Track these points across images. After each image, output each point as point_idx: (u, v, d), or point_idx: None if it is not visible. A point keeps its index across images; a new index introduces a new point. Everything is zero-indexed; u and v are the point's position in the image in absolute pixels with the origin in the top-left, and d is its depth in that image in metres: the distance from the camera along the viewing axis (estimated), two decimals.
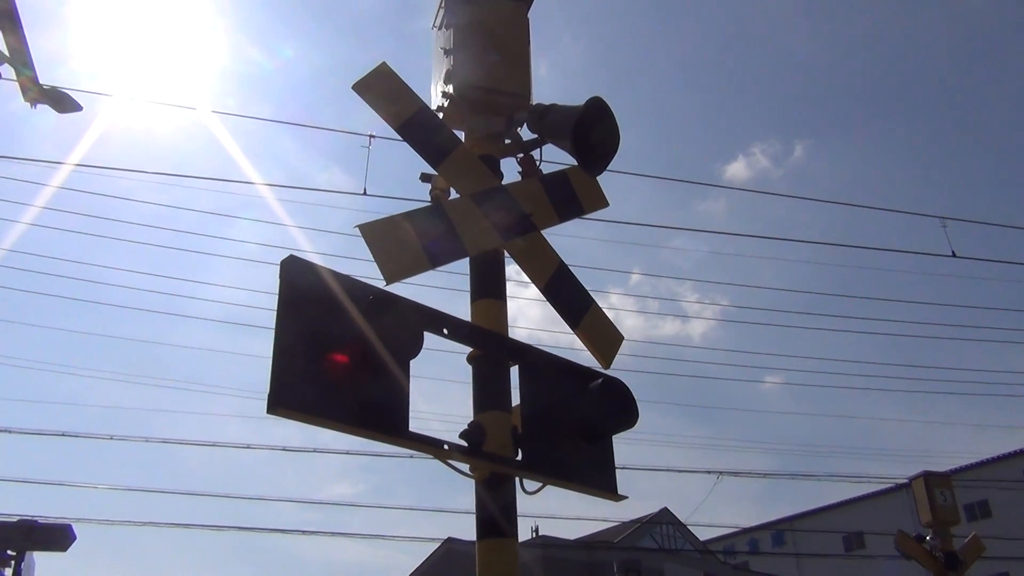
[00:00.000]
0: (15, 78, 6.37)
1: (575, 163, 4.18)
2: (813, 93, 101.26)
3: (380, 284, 3.35)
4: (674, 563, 30.56)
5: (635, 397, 3.81)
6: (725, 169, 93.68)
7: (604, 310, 4.41)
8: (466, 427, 3.48)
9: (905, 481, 14.56)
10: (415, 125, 3.98)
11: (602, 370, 4.11)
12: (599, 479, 3.85)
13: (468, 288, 3.98)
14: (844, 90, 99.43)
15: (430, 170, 4.10)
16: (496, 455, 3.46)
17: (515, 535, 3.49)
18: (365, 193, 10.87)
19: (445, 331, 3.52)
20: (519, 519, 3.56)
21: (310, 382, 2.97)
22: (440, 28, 4.57)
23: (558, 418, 3.73)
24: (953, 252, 13.86)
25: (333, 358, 3.07)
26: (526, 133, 4.37)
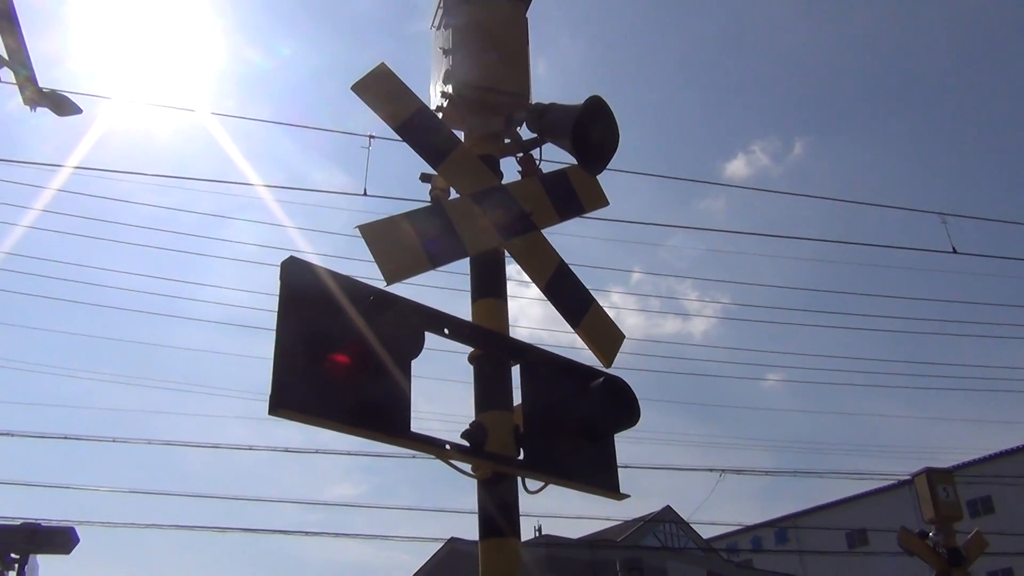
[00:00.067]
0: (14, 81, 6.37)
1: (575, 162, 4.18)
2: (812, 90, 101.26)
3: (381, 284, 3.36)
4: (677, 561, 30.56)
5: (636, 396, 3.81)
6: (725, 167, 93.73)
7: (605, 309, 4.41)
8: (468, 427, 3.48)
9: (908, 477, 14.55)
10: (414, 125, 3.98)
11: (603, 369, 4.10)
12: (601, 478, 3.85)
13: (469, 288, 3.98)
14: (844, 87, 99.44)
15: (430, 170, 4.10)
16: (498, 455, 3.46)
17: (517, 534, 3.49)
18: (365, 194, 10.87)
19: (446, 331, 3.52)
20: (522, 518, 3.56)
21: (311, 383, 2.97)
22: (439, 28, 4.57)
23: (560, 417, 3.73)
24: (953, 248, 13.85)
25: (334, 359, 3.07)
26: (525, 132, 4.37)
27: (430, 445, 3.25)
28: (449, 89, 4.24)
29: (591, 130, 4.01)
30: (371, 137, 10.69)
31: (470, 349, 3.73)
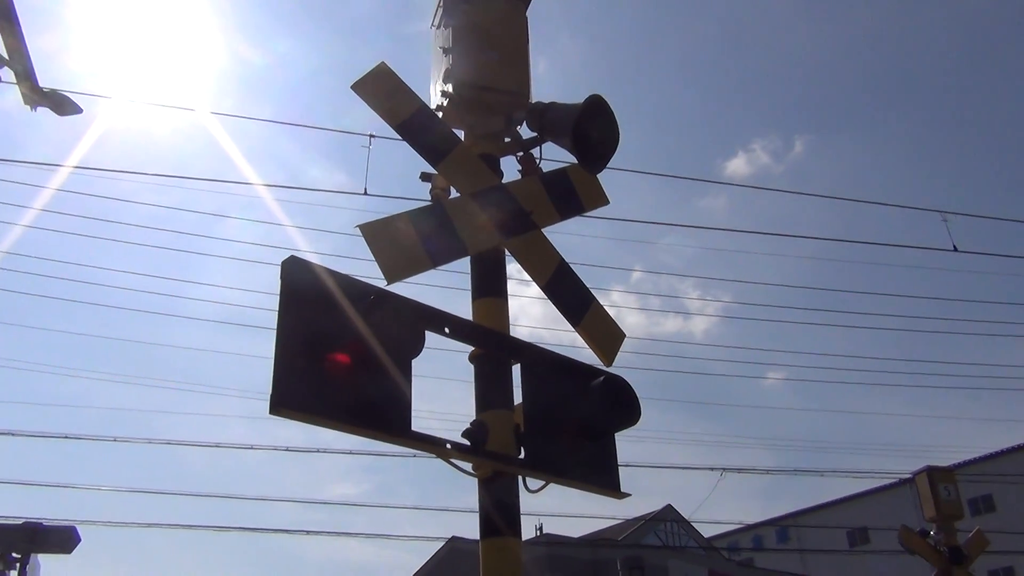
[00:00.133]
0: (14, 81, 6.37)
1: (575, 161, 4.18)
2: (813, 89, 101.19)
3: (381, 284, 3.36)
4: (678, 560, 30.56)
5: (637, 395, 3.81)
6: (725, 165, 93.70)
7: (605, 308, 4.41)
8: (468, 426, 3.48)
9: (909, 476, 14.56)
10: (414, 124, 3.98)
11: (604, 368, 4.10)
12: (602, 477, 3.85)
13: (469, 287, 3.98)
14: (844, 86, 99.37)
15: (430, 169, 4.09)
16: (499, 454, 3.46)
17: (518, 534, 3.48)
18: (366, 193, 10.87)
19: (446, 330, 3.52)
20: (523, 517, 3.56)
21: (312, 382, 2.97)
22: (439, 27, 4.57)
23: (560, 416, 3.73)
24: (954, 246, 13.83)
25: (334, 358, 3.07)
26: (526, 131, 4.37)
27: (431, 444, 3.25)
28: (449, 88, 4.24)
29: (591, 129, 4.01)
30: (371, 136, 10.70)
31: (471, 348, 3.73)
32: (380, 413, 3.13)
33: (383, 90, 3.94)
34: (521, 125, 4.35)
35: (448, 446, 3.28)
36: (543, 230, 4.23)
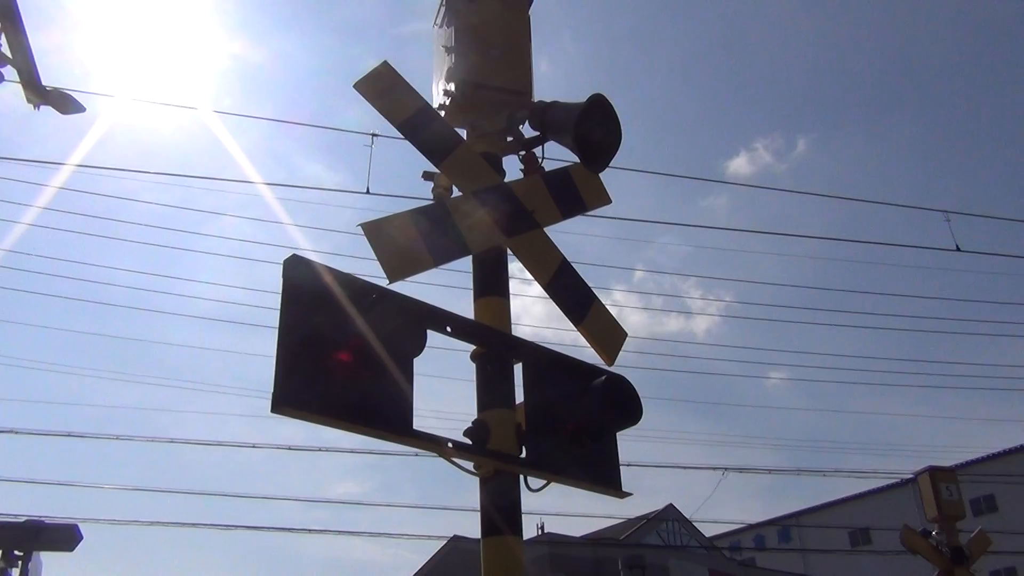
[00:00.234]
0: (17, 80, 6.38)
1: (577, 160, 4.17)
2: (815, 88, 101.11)
3: (383, 282, 3.36)
4: (679, 559, 30.55)
5: (639, 394, 3.81)
6: (728, 165, 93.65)
7: (607, 307, 4.41)
8: (470, 425, 3.48)
9: (911, 476, 14.53)
10: (416, 123, 3.98)
11: (606, 367, 4.10)
12: (603, 476, 3.85)
13: (471, 286, 3.98)
14: (847, 84, 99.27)
15: (432, 168, 4.10)
16: (500, 453, 3.46)
17: (520, 532, 3.48)
18: (368, 192, 10.89)
19: (448, 329, 3.52)
20: (524, 516, 3.56)
21: (313, 381, 2.97)
22: (441, 26, 4.57)
23: (562, 415, 3.73)
24: (957, 246, 13.83)
25: (336, 357, 3.06)
26: (528, 130, 4.37)
27: (432, 443, 3.25)
28: (451, 87, 4.24)
29: (593, 128, 4.01)
30: (373, 135, 10.71)
31: (472, 347, 3.73)
32: (382, 412, 3.13)
33: (385, 89, 3.94)
34: (523, 124, 4.35)
35: (450, 445, 3.28)
36: (545, 229, 4.23)
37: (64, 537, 10.13)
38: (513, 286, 4.11)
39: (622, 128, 4.08)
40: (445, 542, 31.04)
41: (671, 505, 38.01)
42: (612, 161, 4.13)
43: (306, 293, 3.08)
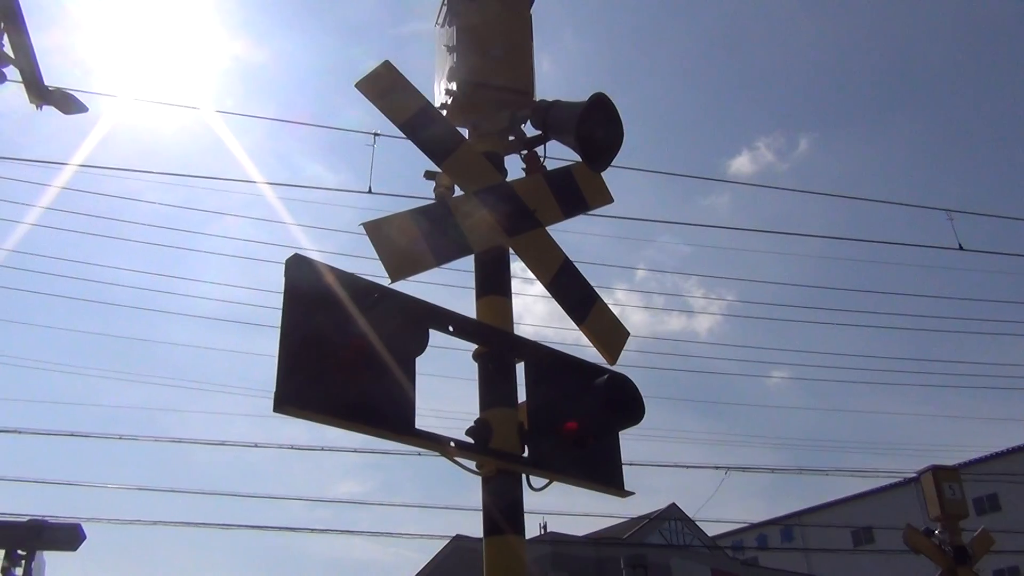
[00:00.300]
0: (20, 80, 6.38)
1: (579, 159, 4.17)
2: (818, 87, 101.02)
3: (385, 282, 3.36)
4: (680, 559, 30.55)
5: (641, 393, 3.81)
6: (730, 164, 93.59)
7: (609, 306, 4.41)
8: (472, 424, 3.48)
9: (914, 475, 14.52)
10: (419, 123, 3.98)
11: (608, 366, 4.10)
12: (606, 475, 3.85)
13: (473, 285, 3.98)
14: (849, 83, 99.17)
15: (434, 167, 4.10)
16: (502, 452, 3.46)
17: (522, 532, 3.48)
18: (370, 191, 10.89)
19: (450, 328, 3.52)
20: (527, 516, 3.56)
21: (316, 380, 2.97)
22: (443, 26, 4.57)
23: (564, 414, 3.72)
24: (960, 245, 13.78)
25: (338, 356, 3.06)
26: (530, 130, 4.37)
27: (434, 442, 3.25)
28: (453, 86, 4.24)
29: (595, 127, 4.00)
30: (376, 135, 10.72)
31: (474, 346, 3.73)
32: (384, 411, 3.13)
33: (387, 88, 3.94)
34: (525, 123, 4.35)
35: (452, 444, 3.28)
36: (547, 228, 4.23)
37: (67, 537, 10.15)
38: (515, 285, 4.11)
39: (624, 127, 4.08)
40: (447, 541, 31.06)
41: (674, 504, 38.02)
42: (614, 160, 4.13)
43: (308, 293, 3.09)
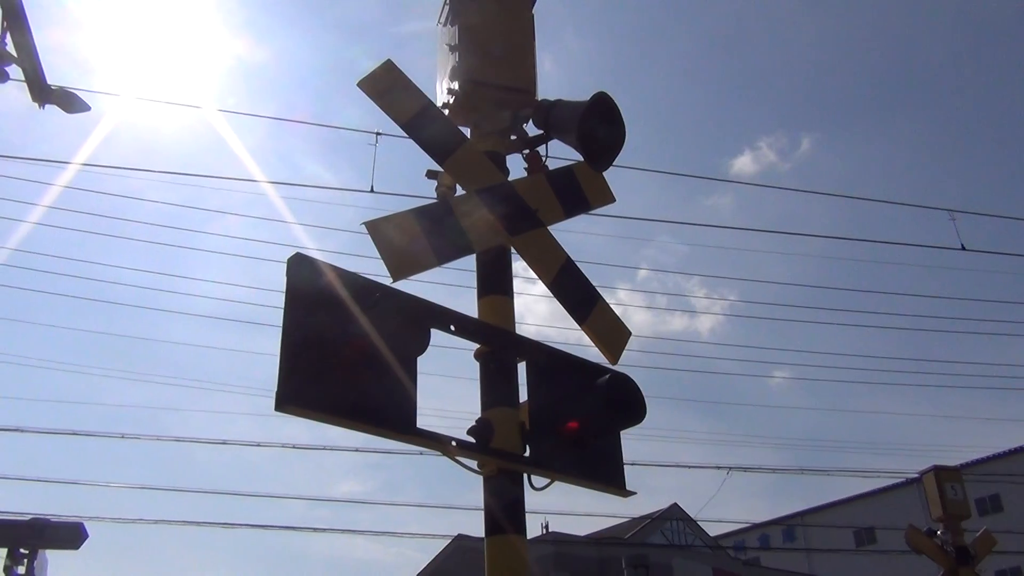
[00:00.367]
0: (23, 78, 6.39)
1: (581, 159, 4.17)
2: (820, 86, 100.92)
3: (386, 281, 3.36)
4: (682, 558, 30.55)
5: (643, 393, 3.80)
6: (732, 163, 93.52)
7: (611, 306, 4.41)
8: (474, 423, 3.48)
9: (916, 475, 14.50)
10: (420, 122, 3.97)
11: (609, 366, 4.10)
12: (607, 475, 3.85)
13: (475, 285, 3.98)
14: (851, 83, 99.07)
15: (436, 167, 4.10)
16: (504, 451, 3.46)
17: (524, 531, 3.48)
18: (372, 190, 10.90)
19: (452, 328, 3.52)
20: (529, 515, 3.55)
21: (317, 379, 2.97)
22: (445, 25, 4.57)
23: (566, 414, 3.72)
24: (963, 245, 13.76)
25: (340, 355, 3.07)
26: (532, 129, 4.37)
27: (436, 442, 3.25)
28: (455, 85, 4.24)
29: (597, 127, 4.00)
30: (377, 134, 10.72)
31: (476, 346, 3.73)
32: (385, 410, 3.13)
33: (389, 88, 3.94)
34: (527, 123, 4.35)
35: (453, 444, 3.28)
36: (549, 228, 4.23)
37: (69, 535, 10.16)
38: (517, 285, 4.11)
39: (626, 126, 4.07)
40: (449, 541, 31.08)
41: (676, 504, 38.02)
42: (616, 160, 4.13)
43: (310, 292, 3.09)
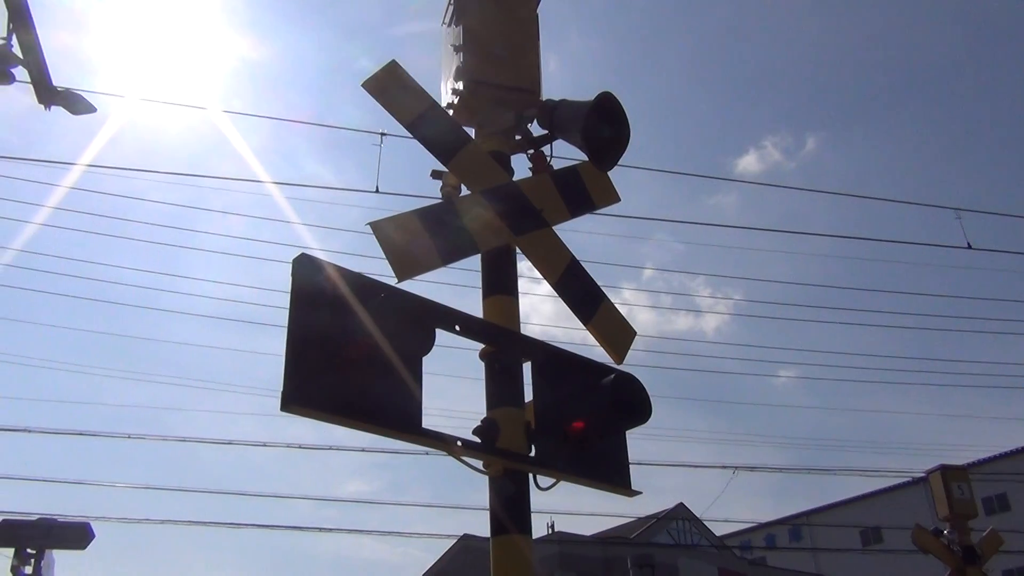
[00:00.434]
0: (29, 80, 6.41)
1: (586, 158, 4.17)
2: (825, 85, 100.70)
3: (391, 281, 3.36)
4: (687, 558, 30.50)
5: (648, 392, 3.80)
6: (736, 163, 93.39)
7: (616, 305, 4.40)
8: (479, 423, 3.48)
9: (922, 475, 14.46)
10: (425, 122, 3.98)
11: (615, 365, 4.09)
12: (613, 475, 3.84)
13: (479, 285, 3.98)
14: (857, 82, 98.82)
15: (441, 167, 4.10)
16: (509, 451, 3.46)
17: (529, 531, 3.48)
18: (377, 191, 10.91)
19: (457, 328, 3.52)
20: (535, 515, 3.55)
21: (322, 380, 2.98)
22: (450, 25, 4.57)
23: (571, 414, 3.72)
24: (968, 244, 13.73)
25: (345, 355, 3.07)
26: (536, 129, 4.37)
27: (441, 442, 3.25)
28: (460, 86, 4.24)
29: (602, 126, 4.00)
30: (382, 134, 10.73)
31: (481, 346, 3.73)
32: (391, 410, 3.13)
33: (393, 88, 3.95)
34: (532, 123, 4.35)
35: (459, 444, 3.28)
36: (554, 227, 4.23)
37: (76, 535, 10.20)
38: (522, 285, 4.10)
39: (630, 126, 4.07)
40: (455, 541, 31.08)
41: (681, 504, 37.98)
42: (621, 159, 4.12)
43: (315, 292, 3.09)
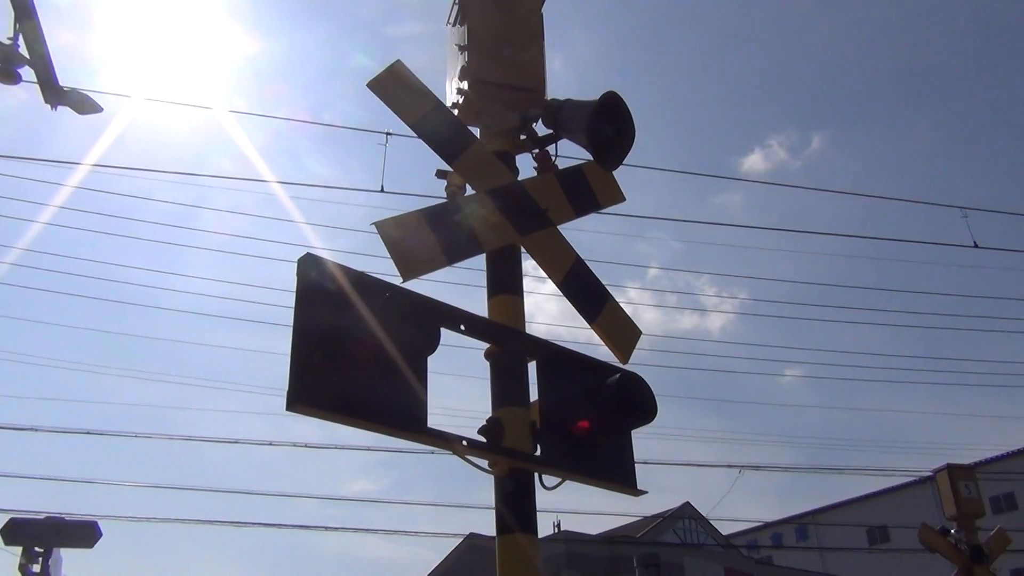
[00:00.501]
0: (35, 80, 6.43)
1: (591, 158, 4.17)
2: (831, 83, 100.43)
3: (397, 281, 3.36)
4: (694, 557, 30.48)
5: (653, 392, 3.80)
6: (742, 162, 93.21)
7: (621, 305, 4.40)
8: (484, 423, 3.48)
9: (929, 474, 14.42)
10: (430, 122, 3.98)
11: (620, 365, 4.09)
12: (618, 474, 3.84)
13: (484, 284, 3.98)
14: (862, 80, 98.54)
15: (446, 167, 4.10)
16: (514, 451, 3.46)
17: (535, 531, 3.48)
18: (382, 190, 10.92)
19: (462, 327, 3.52)
20: (540, 514, 3.55)
21: (327, 379, 2.98)
22: (454, 25, 4.57)
23: (576, 413, 3.72)
24: (975, 242, 13.69)
25: (350, 355, 3.07)
26: (541, 129, 4.36)
27: (446, 441, 3.25)
28: (465, 85, 4.24)
29: (607, 126, 4.00)
30: (388, 134, 10.75)
31: (486, 345, 3.73)
32: (396, 410, 3.14)
33: (398, 88, 3.95)
34: (536, 122, 4.34)
35: (464, 443, 3.28)
36: (559, 227, 4.23)
37: (84, 534, 10.25)
38: (527, 284, 4.11)
39: (635, 125, 4.07)
40: (461, 540, 31.11)
41: (687, 503, 37.95)
42: (626, 158, 4.12)
43: (320, 292, 3.10)
